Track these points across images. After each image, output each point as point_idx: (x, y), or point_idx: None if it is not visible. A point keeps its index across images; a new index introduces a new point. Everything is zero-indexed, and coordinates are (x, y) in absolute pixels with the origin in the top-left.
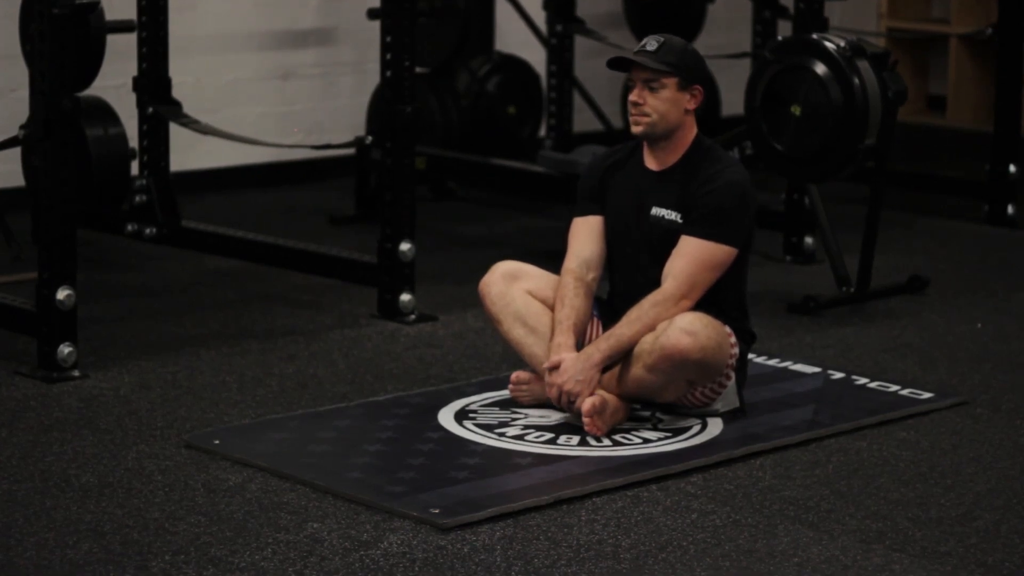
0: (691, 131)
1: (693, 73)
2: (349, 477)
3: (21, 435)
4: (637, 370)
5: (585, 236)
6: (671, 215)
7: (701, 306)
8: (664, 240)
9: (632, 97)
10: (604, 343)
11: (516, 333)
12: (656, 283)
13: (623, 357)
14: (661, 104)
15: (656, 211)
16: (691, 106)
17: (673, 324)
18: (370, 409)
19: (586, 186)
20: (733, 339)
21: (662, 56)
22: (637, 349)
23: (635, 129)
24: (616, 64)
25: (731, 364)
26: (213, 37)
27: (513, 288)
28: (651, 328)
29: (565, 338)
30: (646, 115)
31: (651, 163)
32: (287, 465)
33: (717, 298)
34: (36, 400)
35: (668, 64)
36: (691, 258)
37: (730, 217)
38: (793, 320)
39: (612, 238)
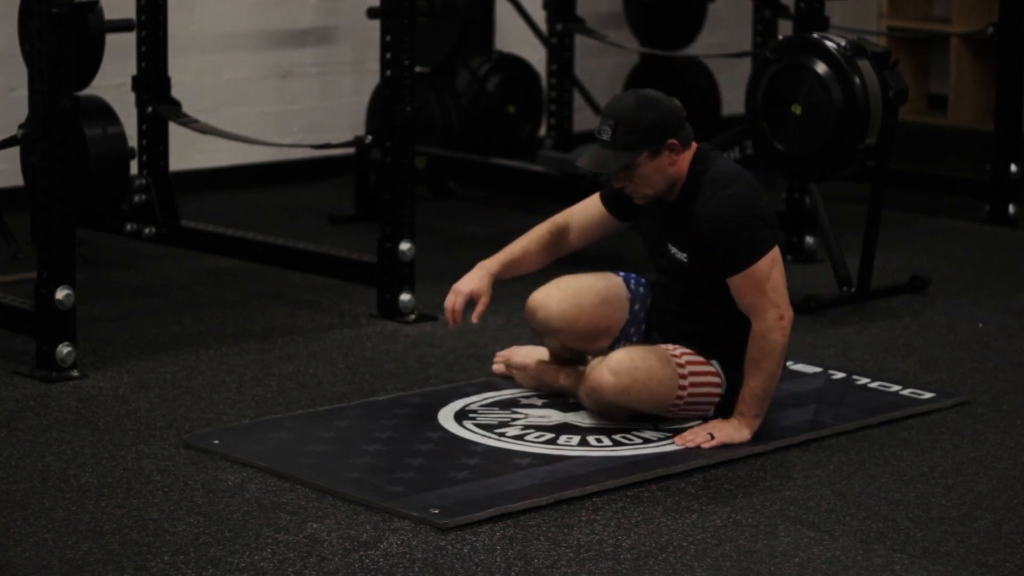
0: (685, 166)
1: (657, 134)
2: (349, 477)
3: (20, 435)
4: (580, 391)
5: (588, 212)
6: (680, 255)
7: (709, 324)
8: (676, 273)
9: (615, 185)
10: (745, 408)
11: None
12: (673, 302)
13: (768, 401)
14: (644, 180)
15: (670, 247)
16: (674, 159)
17: (604, 360)
18: (370, 409)
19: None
20: (685, 382)
21: (619, 140)
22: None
23: (639, 202)
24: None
25: (679, 404)
26: (212, 36)
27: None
28: (777, 366)
29: (492, 262)
30: (638, 193)
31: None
32: (286, 465)
33: (719, 322)
34: (35, 400)
35: (627, 147)
36: (750, 288)
37: (746, 237)
38: (795, 320)
39: (646, 252)
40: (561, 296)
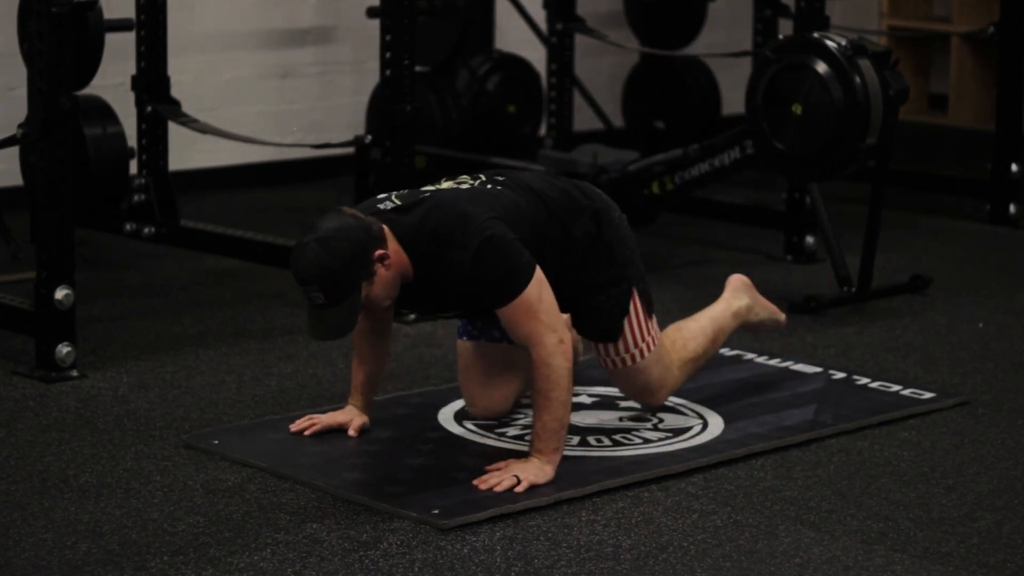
0: (401, 255)
1: (361, 263)
2: (349, 477)
3: (19, 435)
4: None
5: None
6: (464, 313)
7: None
8: (475, 318)
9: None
10: (543, 444)
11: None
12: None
13: (564, 431)
14: (377, 299)
15: (449, 313)
16: (389, 263)
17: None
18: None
19: None
20: (642, 342)
21: (334, 297)
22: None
23: (383, 308)
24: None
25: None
26: (212, 36)
27: None
28: (567, 393)
29: (355, 399)
30: (379, 309)
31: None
32: (286, 465)
33: (593, 290)
34: (34, 400)
35: (345, 295)
36: (524, 316)
37: (501, 276)
38: (794, 320)
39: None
40: (500, 406)
